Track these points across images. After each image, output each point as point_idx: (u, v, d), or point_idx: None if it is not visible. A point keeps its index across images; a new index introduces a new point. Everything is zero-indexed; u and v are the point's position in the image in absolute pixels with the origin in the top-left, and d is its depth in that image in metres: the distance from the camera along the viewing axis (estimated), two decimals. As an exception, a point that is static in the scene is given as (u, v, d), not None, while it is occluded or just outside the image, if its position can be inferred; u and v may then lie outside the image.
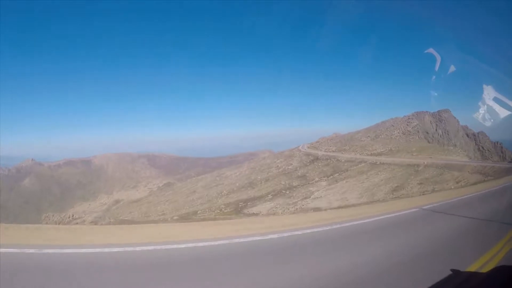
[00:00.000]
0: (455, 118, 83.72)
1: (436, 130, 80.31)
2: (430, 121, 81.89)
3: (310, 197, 47.83)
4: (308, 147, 75.17)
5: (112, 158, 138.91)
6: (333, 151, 67.94)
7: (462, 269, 4.84)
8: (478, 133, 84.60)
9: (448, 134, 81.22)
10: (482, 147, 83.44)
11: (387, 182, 48.40)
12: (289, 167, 63.67)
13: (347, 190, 47.94)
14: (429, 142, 75.02)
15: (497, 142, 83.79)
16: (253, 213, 44.48)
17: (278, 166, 66.27)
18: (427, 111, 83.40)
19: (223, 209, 49.55)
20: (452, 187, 37.59)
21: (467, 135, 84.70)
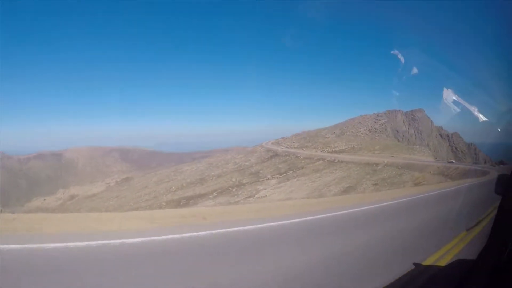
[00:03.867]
0: (428, 118, 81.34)
1: (408, 129, 77.53)
2: (403, 120, 79.19)
3: (254, 196, 44.75)
4: (272, 143, 71.89)
5: (83, 151, 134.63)
6: (294, 148, 64.79)
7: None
8: (452, 134, 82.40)
9: (421, 134, 78.64)
10: (456, 148, 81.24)
11: (340, 182, 45.42)
12: (246, 163, 60.35)
13: (295, 189, 45.03)
14: (398, 140, 72.22)
15: (471, 144, 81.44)
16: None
17: (235, 162, 62.90)
18: (400, 110, 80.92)
19: (162, 207, 46.30)
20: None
21: (441, 136, 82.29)
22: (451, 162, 53.37)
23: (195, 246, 6.31)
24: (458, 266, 4.25)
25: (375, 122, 75.36)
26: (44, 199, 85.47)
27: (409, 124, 78.89)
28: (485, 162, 69.97)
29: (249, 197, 44.08)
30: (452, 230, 7.92)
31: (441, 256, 5.98)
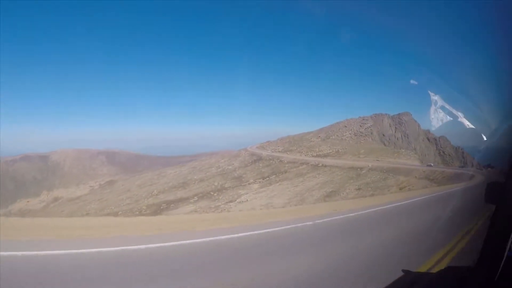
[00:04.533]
0: (415, 121, 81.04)
1: (394, 132, 77.29)
2: (389, 124, 78.94)
3: (235, 200, 44.18)
4: (257, 147, 71.28)
5: (70, 154, 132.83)
6: (279, 152, 64.25)
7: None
8: (439, 138, 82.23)
9: (408, 138, 78.47)
10: (443, 152, 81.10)
11: (322, 187, 44.91)
12: (229, 167, 59.66)
13: (276, 194, 44.44)
14: (385, 144, 71.93)
15: (459, 147, 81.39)
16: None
17: (219, 166, 62.20)
18: (386, 114, 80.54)
19: (143, 211, 45.69)
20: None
21: (428, 139, 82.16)
22: (430, 166, 53.07)
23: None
24: (450, 274, 4.25)
25: (360, 126, 75.01)
26: (28, 201, 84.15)
27: (395, 127, 78.67)
28: (472, 166, 69.91)
29: (230, 201, 43.44)
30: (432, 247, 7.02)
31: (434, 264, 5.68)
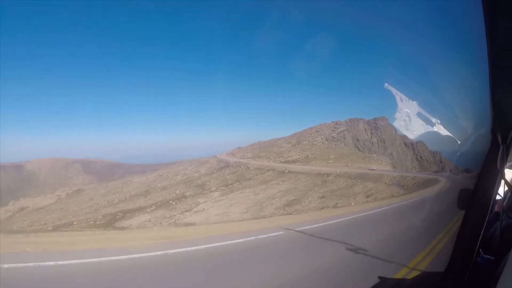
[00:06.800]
0: (392, 126, 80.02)
1: (370, 138, 76.22)
2: (365, 129, 77.88)
3: (192, 209, 42.53)
4: (227, 154, 69.51)
5: (45, 163, 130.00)
6: (247, 158, 62.55)
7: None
8: (416, 143, 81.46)
9: (384, 143, 77.52)
10: (421, 157, 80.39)
11: (285, 195, 43.52)
12: (195, 174, 57.95)
13: (236, 202, 43.11)
14: (359, 149, 70.73)
15: (436, 152, 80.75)
16: (123, 227, 39.76)
17: (185, 173, 60.36)
18: (362, 118, 79.42)
19: (96, 221, 44.01)
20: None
21: (405, 144, 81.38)
22: (373, 170, 52.04)
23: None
24: (424, 279, 4.50)
25: (333, 131, 73.59)
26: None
27: (371, 132, 77.72)
28: (450, 171, 69.19)
29: (187, 211, 42.03)
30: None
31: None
